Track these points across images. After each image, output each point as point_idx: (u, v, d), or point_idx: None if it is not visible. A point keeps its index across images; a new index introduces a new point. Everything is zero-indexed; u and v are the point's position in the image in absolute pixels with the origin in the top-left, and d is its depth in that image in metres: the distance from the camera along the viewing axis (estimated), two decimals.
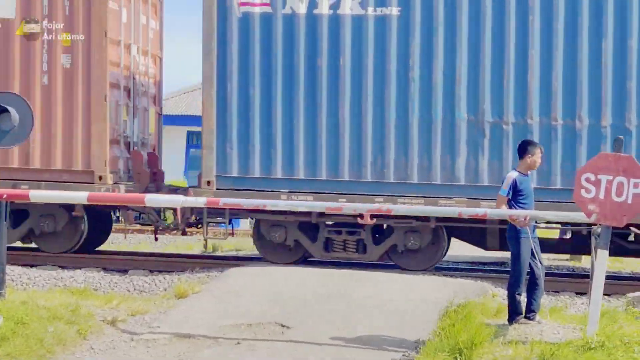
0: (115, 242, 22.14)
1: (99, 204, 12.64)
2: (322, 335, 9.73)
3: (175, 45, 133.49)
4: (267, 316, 10.50)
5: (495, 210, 10.36)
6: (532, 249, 9.96)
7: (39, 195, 11.25)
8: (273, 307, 10.94)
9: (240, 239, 20.14)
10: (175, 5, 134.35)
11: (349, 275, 13.15)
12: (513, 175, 10.01)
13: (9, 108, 8.91)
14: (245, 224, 30.64)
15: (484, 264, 16.57)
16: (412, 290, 12.13)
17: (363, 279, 12.85)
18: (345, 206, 11.04)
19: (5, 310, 9.04)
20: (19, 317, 8.97)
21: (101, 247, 19.12)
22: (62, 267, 14.90)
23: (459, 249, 19.16)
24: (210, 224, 28.43)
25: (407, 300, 11.41)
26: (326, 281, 12.60)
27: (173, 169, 32.52)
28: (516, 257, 9.98)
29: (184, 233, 17.68)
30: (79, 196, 11.08)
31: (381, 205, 12.42)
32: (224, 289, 12.08)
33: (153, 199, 11.21)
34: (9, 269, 12.78)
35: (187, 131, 33.26)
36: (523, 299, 10.02)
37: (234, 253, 18.04)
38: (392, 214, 11.33)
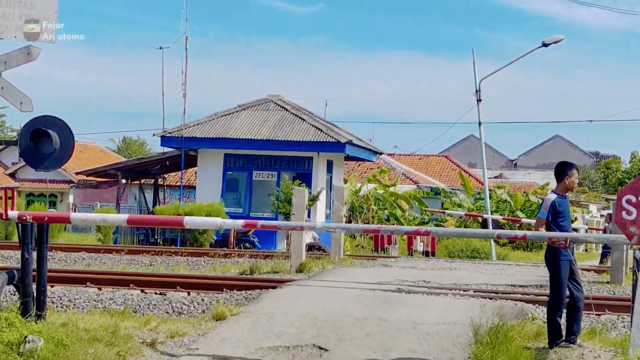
0: (154, 263, 22.29)
1: (138, 225, 12.69)
2: (359, 358, 9.71)
3: (214, 69, 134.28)
4: (304, 338, 10.50)
5: (535, 233, 10.30)
6: (571, 271, 9.88)
7: (80, 217, 11.36)
8: (310, 329, 10.95)
9: (277, 261, 20.14)
10: (225, 32, 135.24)
11: (384, 297, 13.13)
12: (552, 197, 9.96)
13: (51, 132, 9.01)
14: (282, 246, 30.76)
15: (524, 286, 16.44)
16: (448, 312, 12.08)
17: (398, 301, 12.83)
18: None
19: (46, 332, 9.11)
20: (60, 339, 9.04)
21: (140, 269, 19.29)
22: (101, 288, 15.07)
23: (497, 271, 19.07)
24: (248, 246, 28.78)
25: (443, 322, 11.36)
26: (361, 304, 12.60)
27: (211, 192, 32.71)
28: (555, 279, 9.90)
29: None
30: (119, 218, 11.18)
31: (419, 228, 12.39)
32: (261, 311, 12.10)
33: (191, 221, 11.28)
34: (50, 290, 12.91)
35: (225, 154, 33.40)
36: (563, 321, 9.94)
37: (271, 275, 18.04)
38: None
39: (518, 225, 42.10)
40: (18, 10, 8.91)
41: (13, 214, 10.09)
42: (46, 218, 10.51)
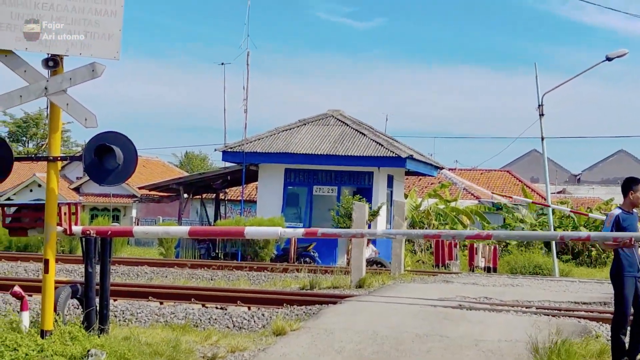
0: (215, 278, 22.43)
1: (199, 237, 12.69)
2: None
3: (275, 84, 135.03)
4: (364, 354, 10.46)
5: (599, 233, 10.16)
6: (636, 288, 9.71)
7: (142, 230, 11.47)
8: (370, 345, 10.90)
9: (337, 276, 20.13)
10: (286, 47, 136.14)
11: (445, 314, 13.04)
12: (616, 212, 9.84)
13: (114, 147, 9.13)
14: (342, 261, 30.74)
15: (587, 303, 16.19)
16: (510, 329, 11.94)
17: (458, 318, 12.72)
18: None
19: (108, 346, 9.21)
20: (122, 353, 9.13)
21: (199, 284, 19.41)
22: (162, 302, 15.20)
23: (560, 288, 18.80)
24: (308, 261, 28.79)
25: (505, 339, 11.23)
26: (422, 320, 12.52)
27: (271, 206, 32.83)
28: (619, 296, 9.75)
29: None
30: (181, 230, 11.26)
31: (480, 232, 12.32)
32: (321, 326, 12.09)
33: (252, 232, 11.28)
34: (113, 304, 13.06)
35: (285, 169, 33.53)
36: (627, 339, 9.77)
37: (331, 290, 18.03)
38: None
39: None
40: (83, 28, 9.05)
41: (77, 229, 10.24)
42: (109, 232, 10.63)
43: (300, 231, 11.50)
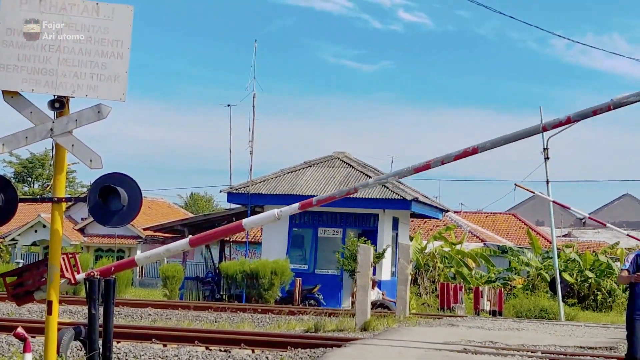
0: (219, 320, 22.33)
1: (200, 244, 12.39)
2: None
3: (281, 126, 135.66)
4: None
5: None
6: None
7: (144, 256, 11.34)
8: None
9: (342, 319, 20.03)
10: (292, 89, 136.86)
11: (450, 357, 12.95)
12: (636, 252, 9.96)
13: (119, 188, 9.12)
14: (347, 303, 30.62)
15: (593, 348, 16.07)
16: None
17: None
18: None
19: None
20: None
21: (203, 325, 19.31)
22: (166, 345, 15.13)
23: (566, 332, 18.70)
24: (312, 303, 28.70)
25: None
26: None
27: (276, 248, 32.79)
28: (629, 338, 9.71)
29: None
30: (182, 243, 11.16)
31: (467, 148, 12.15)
32: None
33: (250, 222, 11.10)
34: (116, 346, 12.98)
35: None
36: None
37: (335, 333, 17.92)
38: None
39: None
40: (90, 70, 9.09)
41: (80, 276, 10.20)
42: (112, 268, 10.61)
43: (295, 206, 11.27)
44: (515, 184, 31.31)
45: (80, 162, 9.26)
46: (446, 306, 30.04)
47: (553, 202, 29.93)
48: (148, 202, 62.17)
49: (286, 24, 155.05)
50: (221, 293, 32.67)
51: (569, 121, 10.59)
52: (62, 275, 9.85)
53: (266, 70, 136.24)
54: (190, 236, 11.23)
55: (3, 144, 9.03)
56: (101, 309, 10.21)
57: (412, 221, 43.08)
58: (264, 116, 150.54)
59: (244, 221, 10.96)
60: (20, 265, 46.89)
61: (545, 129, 10.79)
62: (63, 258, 9.82)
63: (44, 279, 9.77)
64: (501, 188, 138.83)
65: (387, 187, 32.63)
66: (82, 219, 60.89)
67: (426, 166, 10.80)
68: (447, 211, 42.26)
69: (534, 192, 30.52)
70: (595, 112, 10.45)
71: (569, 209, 30.32)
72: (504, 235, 60.42)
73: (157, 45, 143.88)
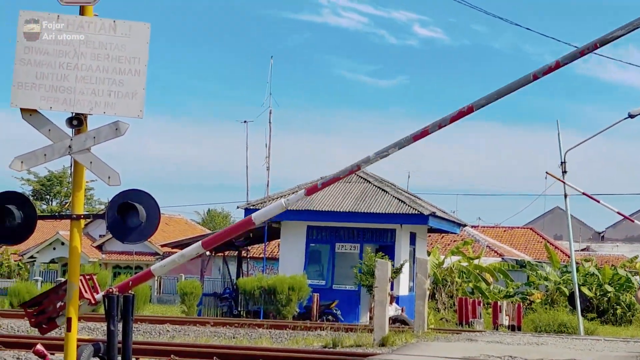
0: (237, 336, 22.34)
1: (212, 245, 12.20)
2: None
3: (297, 141, 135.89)
4: None
5: None
6: None
7: (160, 265, 11.30)
8: None
9: (360, 334, 19.99)
10: (308, 105, 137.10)
11: None
12: None
13: (137, 205, 9.15)
14: (364, 319, 30.57)
15: None
16: None
17: None
18: None
19: None
20: None
21: (222, 341, 19.31)
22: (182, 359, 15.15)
23: (585, 347, 18.59)
24: (330, 319, 28.67)
25: None
26: None
27: (293, 264, 32.80)
28: None
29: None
30: (195, 247, 11.09)
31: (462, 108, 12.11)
32: None
33: (259, 215, 11.04)
34: None
35: (307, 226, 33.52)
36: None
37: (353, 349, 17.88)
38: None
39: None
40: (107, 87, 9.15)
41: (99, 296, 10.21)
42: (130, 283, 10.62)
43: (301, 192, 11.23)
44: (546, 172, 31.08)
45: (98, 179, 9.31)
46: (465, 321, 29.96)
47: (583, 194, 29.90)
48: (165, 219, 62.35)
49: (301, 40, 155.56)
50: (239, 309, 32.68)
51: (558, 65, 10.50)
52: (81, 296, 9.89)
53: (282, 86, 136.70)
54: (202, 240, 11.16)
55: (22, 162, 9.09)
56: (120, 326, 10.22)
57: (430, 236, 43.01)
58: (280, 132, 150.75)
59: (253, 215, 10.90)
60: (39, 282, 47.06)
61: (535, 77, 10.63)
62: (81, 280, 9.81)
63: (64, 304, 9.75)
64: (519, 202, 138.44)
65: (404, 202, 32.60)
66: (100, 236, 61.12)
67: (424, 132, 10.80)
68: (464, 226, 42.18)
69: (564, 182, 30.33)
70: (582, 52, 10.39)
71: (598, 202, 30.13)
72: (522, 249, 60.23)
73: (173, 62, 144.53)
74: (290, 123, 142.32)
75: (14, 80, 9.01)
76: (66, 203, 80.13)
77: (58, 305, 9.84)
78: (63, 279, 45.96)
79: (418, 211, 32.07)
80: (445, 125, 10.70)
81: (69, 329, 9.22)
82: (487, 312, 33.66)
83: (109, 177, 9.14)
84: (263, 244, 38.61)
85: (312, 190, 11.13)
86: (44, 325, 10.00)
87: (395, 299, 29.54)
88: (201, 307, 34.44)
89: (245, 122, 43.08)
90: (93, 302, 10.30)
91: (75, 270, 9.38)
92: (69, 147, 9.12)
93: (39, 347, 9.96)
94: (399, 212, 32.19)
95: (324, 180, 11.25)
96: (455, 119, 10.68)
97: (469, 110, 10.58)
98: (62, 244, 57.80)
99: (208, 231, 61.80)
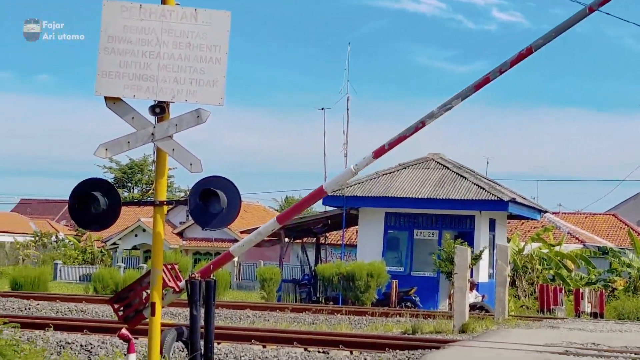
0: (316, 322, 22.43)
1: (287, 220, 12.09)
2: None
3: (375, 128, 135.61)
4: None
5: None
6: None
7: (238, 246, 11.39)
8: None
9: (440, 321, 19.92)
10: (385, 92, 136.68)
11: None
12: None
13: (219, 192, 9.24)
14: (443, 306, 30.43)
15: None
16: None
17: None
18: None
19: None
20: None
21: (301, 327, 19.42)
22: (265, 346, 15.28)
23: None
24: (409, 305, 28.62)
25: None
26: None
27: (372, 250, 32.79)
28: None
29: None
30: (270, 224, 11.16)
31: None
32: None
33: (330, 184, 11.01)
34: (216, 347, 13.15)
35: (385, 213, 33.48)
36: None
37: (433, 335, 17.83)
38: None
39: None
40: (189, 75, 9.25)
41: (182, 283, 10.36)
42: (211, 267, 10.77)
43: (369, 156, 11.19)
44: None
45: (178, 167, 9.45)
46: (546, 308, 29.59)
47: None
48: (244, 206, 62.69)
49: (378, 27, 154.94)
50: (317, 295, 32.83)
51: None
52: (165, 285, 10.06)
53: (359, 74, 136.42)
54: (276, 216, 11.19)
55: (106, 149, 9.25)
56: (202, 311, 10.35)
57: (509, 222, 42.57)
58: (358, 119, 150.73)
59: (324, 184, 10.92)
60: (122, 268, 47.95)
61: (591, 9, 10.44)
62: (164, 269, 9.96)
63: (149, 294, 9.87)
64: (601, 188, 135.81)
65: (484, 188, 32.32)
66: (180, 223, 61.92)
67: (485, 79, 10.76)
68: (545, 212, 41.63)
69: None
70: None
71: None
72: (604, 236, 59.18)
73: (250, 52, 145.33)
74: (367, 111, 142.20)
75: (98, 69, 9.18)
76: (147, 190, 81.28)
77: (144, 296, 10.00)
78: (145, 265, 46.76)
79: (498, 197, 31.77)
80: (505, 70, 10.63)
81: (152, 314, 9.37)
82: (569, 300, 33.17)
83: (190, 164, 9.25)
84: (341, 231, 38.69)
85: (379, 152, 11.11)
86: (132, 319, 10.16)
87: (475, 286, 29.32)
88: (280, 293, 34.70)
89: (322, 109, 43.26)
90: (177, 289, 10.46)
91: (159, 255, 9.52)
92: (152, 134, 9.25)
93: (124, 331, 10.13)
94: (478, 199, 31.93)
95: (390, 140, 11.21)
96: (515, 63, 10.59)
97: (528, 51, 10.51)
98: (144, 230, 58.75)
99: None
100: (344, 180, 11.21)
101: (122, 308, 10.26)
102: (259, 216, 64.54)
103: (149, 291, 9.64)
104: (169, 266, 10.44)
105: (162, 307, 10.66)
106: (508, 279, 23.50)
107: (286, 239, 40.54)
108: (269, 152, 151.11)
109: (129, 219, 62.44)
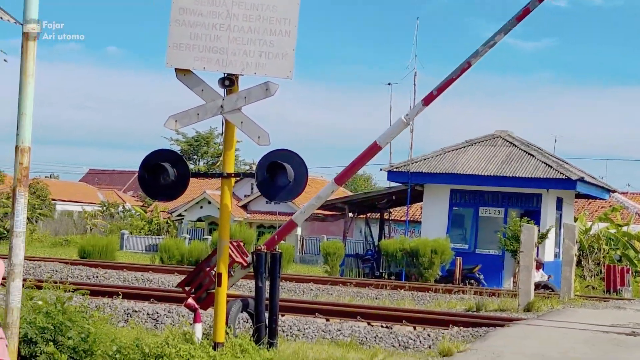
0: (379, 297, 22.46)
1: (345, 180, 12.02)
2: None
3: (441, 105, 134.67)
4: None
5: None
6: None
7: (300, 212, 11.43)
8: None
9: (504, 299, 19.78)
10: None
11: (618, 340, 12.59)
12: None
13: (286, 165, 9.26)
14: (507, 284, 30.21)
15: None
16: None
17: (632, 345, 12.27)
18: None
19: None
20: None
21: (364, 302, 19.45)
22: (329, 319, 15.34)
23: None
24: (473, 283, 28.44)
25: None
26: (593, 346, 12.13)
27: (436, 227, 32.65)
28: None
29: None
30: (329, 187, 11.18)
31: None
32: (489, 349, 11.89)
33: (384, 138, 10.99)
34: (280, 319, 13.26)
35: (451, 189, 33.29)
36: None
37: (497, 313, 17.72)
38: None
39: None
40: (258, 48, 9.27)
41: (249, 259, 10.46)
42: (276, 237, 10.85)
43: (419, 104, 11.20)
44: None
45: (244, 140, 9.49)
46: (612, 289, 29.23)
47: None
48: (308, 180, 62.87)
49: (446, 2, 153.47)
50: (380, 271, 32.83)
51: None
52: (233, 261, 10.18)
53: (424, 50, 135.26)
54: (333, 178, 11.20)
55: (176, 121, 9.33)
56: (267, 283, 10.43)
57: (576, 202, 42.03)
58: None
59: (378, 139, 10.90)
60: (187, 239, 48.47)
61: None
62: (230, 247, 10.04)
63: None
64: None
65: (552, 167, 31.94)
66: (245, 196, 62.29)
67: (526, 11, 10.69)
68: (613, 192, 41.00)
69: None
70: None
71: None
72: None
73: (316, 26, 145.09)
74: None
75: (169, 41, 9.24)
76: (213, 163, 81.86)
77: (213, 275, 10.08)
78: (209, 237, 47.07)
79: (566, 176, 31.36)
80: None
81: (219, 284, 9.46)
82: (636, 281, 32.74)
83: (258, 137, 9.28)
84: (405, 207, 38.58)
85: (429, 98, 11.08)
86: (204, 299, 10.26)
87: (542, 266, 29.04)
88: (343, 267, 34.77)
89: (389, 84, 42.97)
90: (245, 264, 10.56)
91: (226, 227, 9.60)
92: (221, 106, 9.30)
93: (191, 301, 10.25)
94: (545, 177, 31.56)
95: (438, 85, 11.14)
96: None
97: None
98: (209, 203, 59.20)
99: (349, 193, 62.13)
100: (397, 132, 11.13)
101: (193, 290, 10.37)
102: None
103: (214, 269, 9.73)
104: (235, 243, 10.54)
105: (233, 284, 10.81)
106: (575, 258, 23.23)
107: (350, 214, 40.57)
108: (334, 126, 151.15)
109: (195, 191, 63.00)
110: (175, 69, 9.29)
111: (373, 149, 10.97)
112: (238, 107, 9.30)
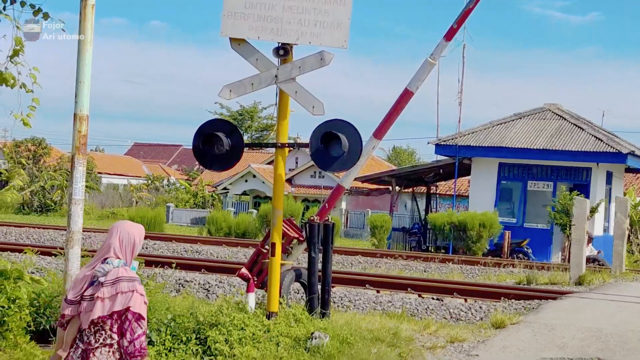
0: (428, 270, 22.43)
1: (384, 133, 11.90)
2: None
3: (489, 80, 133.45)
4: (589, 352, 10.14)
5: None
6: None
7: (346, 176, 11.38)
8: (594, 342, 10.56)
9: (554, 273, 19.65)
10: (500, 43, 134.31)
11: None
12: None
13: (341, 135, 9.20)
14: (556, 258, 29.97)
15: None
16: None
17: None
18: None
19: (330, 330, 9.35)
20: (344, 337, 9.24)
21: (413, 274, 19.43)
22: (379, 291, 15.34)
23: None
24: (521, 257, 28.28)
25: None
26: None
27: (484, 201, 32.44)
28: None
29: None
30: (369, 142, 11.06)
31: None
32: (541, 321, 11.82)
33: (414, 81, 10.80)
34: (332, 291, 13.28)
35: (499, 163, 33.01)
36: None
37: (548, 286, 17.60)
38: None
39: None
40: (313, 17, 9.21)
41: (303, 233, 10.46)
42: (326, 205, 10.83)
43: (441, 41, 11.01)
44: None
45: (297, 110, 9.44)
46: None
47: None
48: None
49: None
50: (427, 244, 32.75)
51: None
52: (289, 237, 10.21)
53: (473, 24, 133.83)
54: (374, 131, 11.06)
55: (230, 90, 9.31)
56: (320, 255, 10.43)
57: (625, 176, 41.50)
58: (472, 71, 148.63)
59: (408, 85, 10.76)
60: (232, 213, 48.70)
61: None
62: (284, 225, 10.05)
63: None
64: None
65: (602, 140, 31.54)
66: (289, 169, 62.36)
67: None
68: None
69: None
70: None
71: None
72: None
73: (362, 3, 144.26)
74: (481, 61, 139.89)
75: (224, 9, 9.20)
76: (257, 137, 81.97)
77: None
78: (255, 211, 47.12)
79: (616, 149, 30.95)
80: None
81: (272, 254, 9.47)
82: None
83: (313, 107, 9.24)
84: (452, 181, 38.37)
85: (450, 33, 10.88)
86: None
87: (592, 240, 28.75)
88: (390, 241, 34.73)
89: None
90: (301, 239, 10.58)
91: (279, 197, 9.59)
92: (275, 76, 9.26)
93: (244, 270, 10.29)
94: (595, 150, 31.16)
95: (457, 18, 11.00)
96: None
97: None
98: (254, 176, 59.30)
99: (394, 167, 61.90)
100: (425, 74, 10.94)
101: (256, 275, 10.38)
102: (367, 164, 64.45)
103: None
104: (287, 220, 10.55)
105: (292, 261, 10.84)
106: (627, 232, 22.97)
107: (397, 188, 40.46)
108: (380, 101, 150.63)
109: (240, 164, 62.82)
110: (230, 39, 9.26)
111: (405, 96, 10.84)
112: (292, 77, 9.26)
